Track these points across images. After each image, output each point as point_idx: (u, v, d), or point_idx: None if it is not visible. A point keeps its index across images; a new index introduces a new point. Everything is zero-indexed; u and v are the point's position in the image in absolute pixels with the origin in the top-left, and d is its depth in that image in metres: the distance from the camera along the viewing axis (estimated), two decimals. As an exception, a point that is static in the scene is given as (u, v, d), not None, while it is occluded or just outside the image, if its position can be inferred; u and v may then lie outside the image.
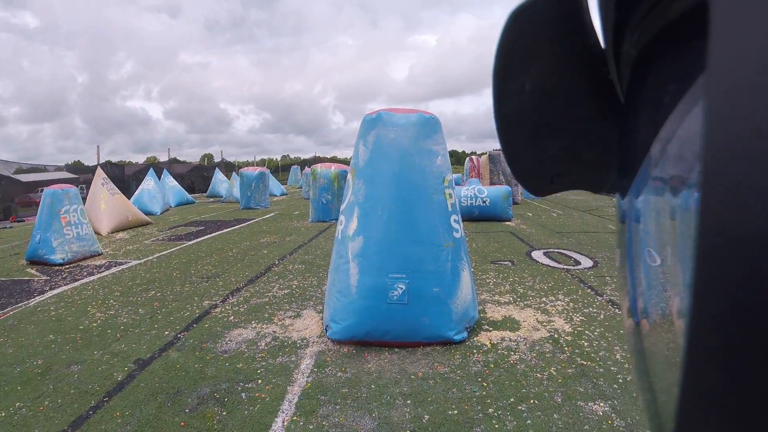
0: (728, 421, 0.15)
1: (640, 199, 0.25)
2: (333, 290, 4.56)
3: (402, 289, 4.26)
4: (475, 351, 4.35)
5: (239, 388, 3.71)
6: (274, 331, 4.88)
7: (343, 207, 4.66)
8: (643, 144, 0.24)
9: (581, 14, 0.26)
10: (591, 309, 5.63)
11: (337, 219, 6.31)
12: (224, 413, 3.35)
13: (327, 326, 4.58)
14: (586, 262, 8.16)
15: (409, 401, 3.51)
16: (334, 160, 57.29)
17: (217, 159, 54.97)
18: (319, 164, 14.45)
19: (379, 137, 4.44)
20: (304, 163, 56.08)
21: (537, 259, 8.36)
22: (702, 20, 0.14)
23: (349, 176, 4.68)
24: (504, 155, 0.36)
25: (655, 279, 0.23)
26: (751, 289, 0.13)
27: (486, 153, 19.70)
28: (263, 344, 4.56)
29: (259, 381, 3.82)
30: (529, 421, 3.28)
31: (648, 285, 0.25)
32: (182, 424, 3.24)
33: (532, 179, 0.36)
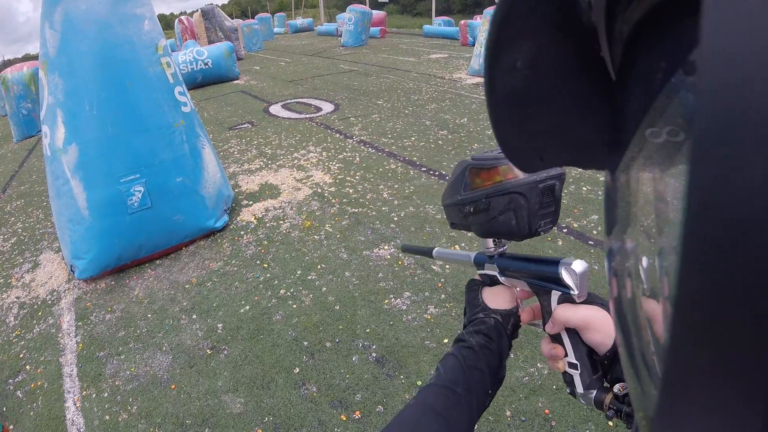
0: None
1: (629, 176, 0.25)
2: (63, 221, 3.61)
3: (141, 191, 3.54)
4: (242, 233, 3.91)
5: (11, 387, 2.85)
6: (18, 297, 3.77)
7: (42, 114, 3.54)
8: (633, 121, 0.23)
9: None
10: (345, 153, 5.56)
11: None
12: (11, 427, 2.58)
13: (72, 266, 3.68)
14: (327, 107, 8.04)
15: (194, 316, 3.07)
16: (27, 58, 44.52)
17: None
18: (9, 69, 11.10)
19: (68, 13, 3.34)
20: (-7, 75, 42.68)
21: (277, 114, 7.92)
22: None
23: (40, 73, 3.51)
24: (494, 132, 0.34)
25: (641, 258, 0.23)
26: (740, 272, 0.13)
27: (197, 10, 17.17)
28: (12, 319, 3.50)
29: (28, 367, 2.97)
30: (324, 288, 3.10)
31: (635, 263, 0.24)
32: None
33: (521, 156, 0.36)
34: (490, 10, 10.10)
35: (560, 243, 3.51)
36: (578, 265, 0.63)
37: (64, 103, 3.37)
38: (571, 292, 0.64)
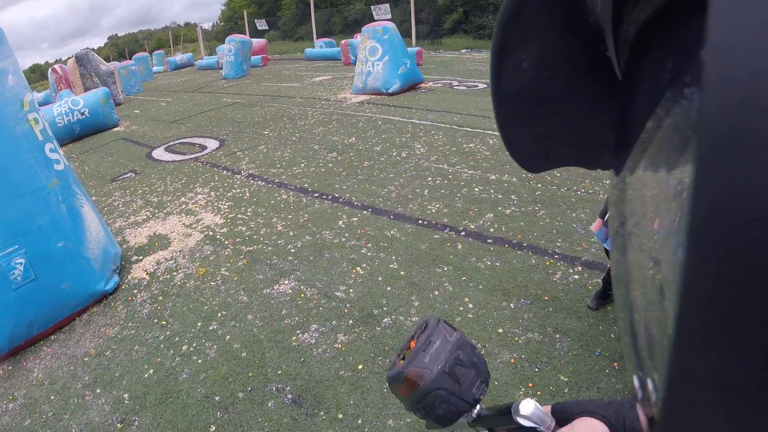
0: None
1: (635, 176, 0.25)
2: (-56, 309, 3.36)
3: (22, 264, 3.32)
4: (136, 292, 3.71)
5: None
6: None
7: None
8: (639, 121, 0.24)
9: None
10: (234, 190, 5.46)
11: None
12: None
13: (-36, 357, 3.41)
14: (212, 144, 7.85)
15: (98, 390, 2.92)
16: None
17: None
18: None
19: (-74, 75, 3.14)
20: None
21: (160, 159, 7.62)
22: None
23: None
24: (500, 132, 0.35)
25: (647, 260, 0.23)
26: (747, 273, 0.13)
27: (72, 57, 15.95)
28: None
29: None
30: (228, 336, 3.02)
31: (640, 266, 0.24)
32: None
33: (527, 156, 0.36)
34: (368, 28, 10.27)
35: (459, 246, 3.65)
36: (526, 407, 0.63)
37: (-71, 176, 3.11)
38: (539, 429, 0.64)
